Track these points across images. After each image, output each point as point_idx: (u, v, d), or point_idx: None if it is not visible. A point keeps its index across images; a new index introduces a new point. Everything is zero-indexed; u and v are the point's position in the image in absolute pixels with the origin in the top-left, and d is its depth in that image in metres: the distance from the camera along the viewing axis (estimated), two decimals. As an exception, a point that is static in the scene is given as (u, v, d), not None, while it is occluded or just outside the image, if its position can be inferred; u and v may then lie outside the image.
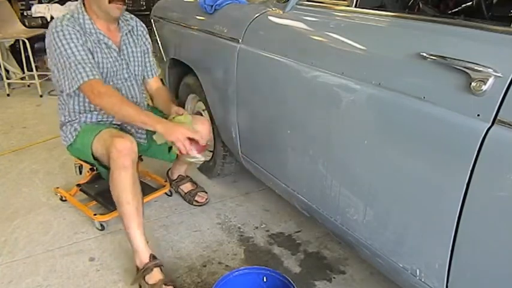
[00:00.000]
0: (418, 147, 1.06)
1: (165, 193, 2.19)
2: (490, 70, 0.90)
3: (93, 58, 1.68)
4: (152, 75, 1.99)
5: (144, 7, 4.69)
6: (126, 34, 1.84)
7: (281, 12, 1.65)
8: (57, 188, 2.19)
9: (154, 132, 1.78)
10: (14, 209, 2.12)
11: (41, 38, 4.20)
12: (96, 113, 1.79)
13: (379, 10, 1.37)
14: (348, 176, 1.31)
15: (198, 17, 2.08)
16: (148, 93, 2.03)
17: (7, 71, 4.25)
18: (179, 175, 2.19)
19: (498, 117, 0.89)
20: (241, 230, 1.94)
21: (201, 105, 2.30)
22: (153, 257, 1.57)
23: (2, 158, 2.69)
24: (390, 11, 1.36)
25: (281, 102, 1.55)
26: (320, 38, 1.42)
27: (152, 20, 2.60)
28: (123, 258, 1.76)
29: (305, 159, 1.47)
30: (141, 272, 1.55)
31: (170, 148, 1.81)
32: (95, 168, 1.93)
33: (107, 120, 1.81)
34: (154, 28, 2.57)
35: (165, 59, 2.48)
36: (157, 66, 2.04)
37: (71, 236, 1.89)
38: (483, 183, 0.92)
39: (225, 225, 1.98)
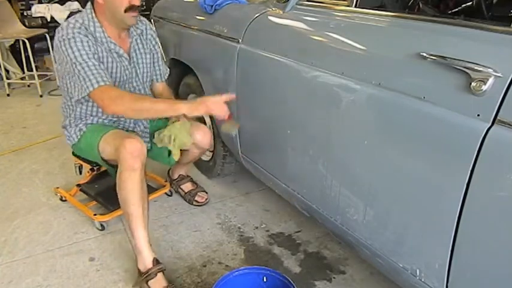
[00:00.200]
0: (418, 147, 1.06)
1: (165, 193, 2.19)
2: (490, 70, 0.90)
3: (104, 67, 1.64)
4: (161, 79, 1.96)
5: (144, 7, 4.69)
6: (135, 40, 1.80)
7: (281, 12, 1.65)
8: (57, 188, 2.19)
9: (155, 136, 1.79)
10: (14, 209, 2.12)
11: (41, 38, 4.23)
12: (103, 117, 1.78)
13: (379, 10, 1.37)
14: (348, 176, 1.31)
15: (198, 17, 2.08)
16: (153, 95, 2.02)
17: (7, 71, 4.25)
18: (180, 175, 2.19)
19: (498, 117, 0.89)
20: (241, 230, 1.94)
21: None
22: (156, 261, 1.56)
23: (2, 158, 2.69)
24: (390, 11, 1.36)
25: (281, 102, 1.55)
26: (320, 38, 1.42)
27: (152, 20, 2.60)
28: (123, 258, 1.76)
29: (305, 159, 1.47)
30: (144, 276, 1.54)
31: (170, 152, 1.80)
32: (95, 168, 1.95)
33: (113, 124, 1.81)
34: (154, 28, 2.57)
35: (165, 59, 2.48)
36: (166, 68, 2.01)
37: (71, 236, 1.89)
38: (483, 183, 0.92)
39: (225, 225, 1.98)
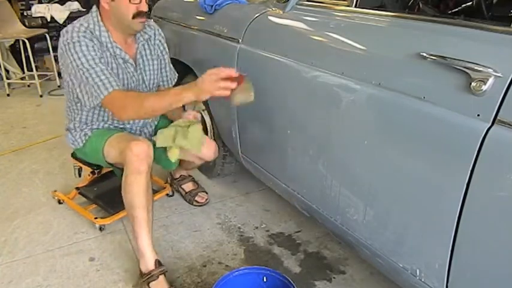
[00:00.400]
0: (418, 147, 1.06)
1: (166, 193, 2.19)
2: (490, 70, 0.90)
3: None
4: (168, 85, 1.92)
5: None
6: (142, 45, 1.75)
7: (281, 12, 1.65)
8: (55, 191, 2.16)
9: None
10: (14, 209, 2.12)
11: (41, 38, 4.23)
12: (109, 122, 1.76)
13: (379, 10, 1.37)
14: (348, 176, 1.31)
15: (198, 17, 2.08)
16: None
17: (7, 71, 4.25)
18: (181, 175, 2.19)
19: (498, 117, 0.89)
20: (241, 230, 1.94)
21: (201, 106, 2.30)
22: (158, 263, 1.55)
23: (2, 158, 2.69)
24: (390, 11, 1.36)
25: (281, 102, 1.55)
26: (320, 38, 1.42)
27: (152, 20, 2.60)
28: (123, 258, 1.76)
29: (305, 159, 1.47)
30: (146, 278, 1.53)
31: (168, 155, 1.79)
32: (95, 171, 1.93)
33: (119, 129, 1.78)
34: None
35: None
36: (175, 73, 1.96)
37: (71, 236, 1.89)
38: (483, 183, 0.92)
39: (225, 225, 1.98)
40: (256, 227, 1.96)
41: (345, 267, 1.70)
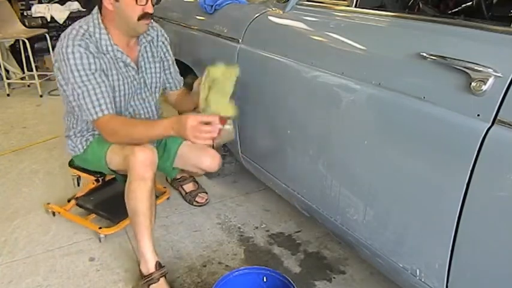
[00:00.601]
0: (418, 147, 1.06)
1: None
2: (490, 70, 0.90)
3: (108, 81, 1.54)
4: (175, 87, 1.87)
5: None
6: (144, 47, 1.69)
7: (281, 12, 1.65)
8: (48, 204, 2.05)
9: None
10: (14, 209, 2.12)
11: (41, 38, 4.23)
12: None
13: (379, 10, 1.37)
14: (348, 176, 1.31)
15: (198, 17, 2.08)
16: (172, 103, 1.93)
17: (7, 71, 4.25)
18: (182, 176, 2.18)
19: (498, 117, 0.89)
20: (241, 230, 1.94)
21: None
22: (159, 265, 1.54)
23: (2, 158, 2.69)
24: (390, 11, 1.36)
25: (281, 102, 1.55)
26: (320, 38, 1.42)
27: (152, 20, 2.60)
28: (123, 258, 1.76)
29: (305, 159, 1.47)
30: (146, 280, 1.53)
31: (172, 165, 1.79)
32: (100, 179, 1.85)
33: None
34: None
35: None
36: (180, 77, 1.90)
37: (71, 236, 1.89)
38: (483, 183, 0.92)
39: (225, 225, 1.98)
40: (256, 227, 1.96)
41: (345, 267, 1.70)
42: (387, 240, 1.21)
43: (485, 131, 0.90)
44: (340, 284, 1.62)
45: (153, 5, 1.55)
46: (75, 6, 4.72)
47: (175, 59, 2.32)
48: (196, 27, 2.09)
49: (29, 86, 4.29)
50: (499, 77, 0.89)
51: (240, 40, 1.73)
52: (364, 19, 1.34)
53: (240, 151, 1.91)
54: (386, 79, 1.13)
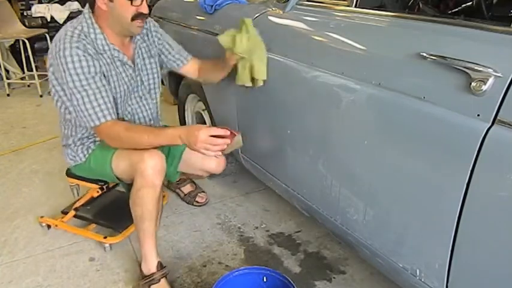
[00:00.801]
0: (418, 147, 1.06)
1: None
2: (490, 70, 0.90)
3: (108, 84, 1.50)
4: (186, 60, 1.78)
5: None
6: (139, 44, 1.65)
7: (281, 12, 1.65)
8: (42, 217, 1.97)
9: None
10: (14, 209, 2.12)
11: (41, 38, 4.23)
12: None
13: (379, 10, 1.37)
14: (348, 176, 1.31)
15: (198, 17, 2.08)
16: (195, 77, 1.85)
17: (7, 71, 4.25)
18: (180, 178, 2.18)
19: (498, 117, 0.89)
20: (241, 230, 1.94)
21: (201, 105, 2.30)
22: (160, 266, 1.54)
23: (2, 158, 2.69)
24: (390, 11, 1.36)
25: (281, 102, 1.55)
26: (320, 38, 1.42)
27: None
28: (123, 258, 1.76)
29: (305, 159, 1.47)
30: (147, 280, 1.53)
31: (177, 169, 1.78)
32: (104, 187, 1.78)
33: None
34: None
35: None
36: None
37: (71, 236, 1.89)
38: (483, 183, 0.92)
39: (225, 225, 1.98)
40: (256, 227, 1.96)
41: (345, 267, 1.70)
42: (387, 240, 1.21)
43: (485, 131, 0.90)
44: (340, 284, 1.62)
45: (148, 5, 1.52)
46: (75, 6, 4.72)
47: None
48: (196, 27, 2.08)
49: (29, 86, 4.29)
50: (499, 77, 0.89)
51: (240, 40, 1.72)
52: (364, 19, 1.34)
53: (240, 151, 1.90)
54: (386, 79, 1.13)
